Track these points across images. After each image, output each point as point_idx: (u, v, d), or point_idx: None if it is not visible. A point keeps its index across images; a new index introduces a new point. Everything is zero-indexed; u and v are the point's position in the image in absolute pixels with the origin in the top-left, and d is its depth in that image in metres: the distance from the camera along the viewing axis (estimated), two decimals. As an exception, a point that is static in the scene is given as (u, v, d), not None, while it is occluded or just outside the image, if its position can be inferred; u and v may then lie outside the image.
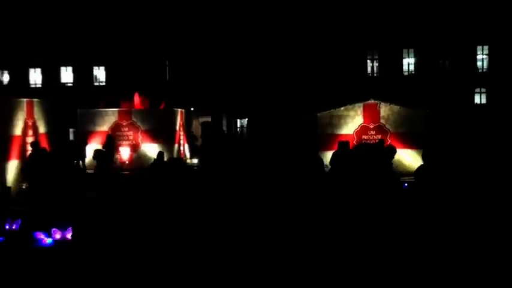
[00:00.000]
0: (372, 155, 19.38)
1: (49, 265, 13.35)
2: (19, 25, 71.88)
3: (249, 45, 69.41)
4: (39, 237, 14.58)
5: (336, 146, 28.35)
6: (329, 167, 23.43)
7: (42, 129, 25.86)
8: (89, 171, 35.14)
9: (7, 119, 23.86)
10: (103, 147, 34.30)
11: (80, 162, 34.65)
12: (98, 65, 75.52)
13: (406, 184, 21.84)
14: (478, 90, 71.07)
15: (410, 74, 72.32)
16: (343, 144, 23.95)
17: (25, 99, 25.15)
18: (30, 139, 24.44)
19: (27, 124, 24.63)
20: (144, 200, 17.94)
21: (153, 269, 13.00)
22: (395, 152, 22.41)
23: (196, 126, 62.04)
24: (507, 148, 33.02)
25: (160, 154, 26.48)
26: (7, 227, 15.30)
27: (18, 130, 24.07)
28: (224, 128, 70.80)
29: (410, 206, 16.20)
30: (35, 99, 26.03)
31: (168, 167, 23.20)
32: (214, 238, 14.86)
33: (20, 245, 14.62)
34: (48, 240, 14.50)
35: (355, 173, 18.05)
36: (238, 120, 75.51)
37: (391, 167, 20.25)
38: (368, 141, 30.02)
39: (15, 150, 23.71)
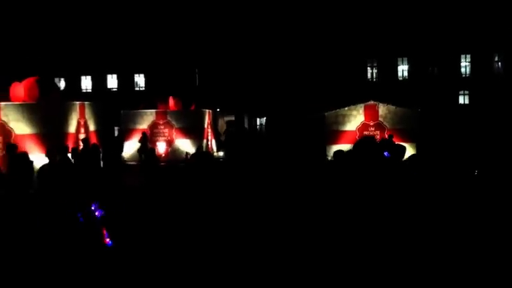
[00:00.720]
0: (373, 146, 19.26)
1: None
2: (72, 39, 72.17)
3: (267, 56, 69.41)
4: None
5: (341, 141, 28.79)
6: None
7: (92, 127, 25.99)
8: (130, 163, 35.66)
9: (63, 118, 24.04)
10: (139, 141, 34.97)
11: (125, 155, 35.10)
12: (139, 73, 75.82)
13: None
14: (461, 92, 70.93)
15: (404, 79, 72.17)
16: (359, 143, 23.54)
17: (78, 102, 25.30)
18: (81, 136, 24.57)
19: (79, 123, 24.78)
20: (186, 186, 17.84)
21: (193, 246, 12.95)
22: (400, 149, 22.45)
23: (221, 124, 62.25)
24: (487, 141, 33.05)
25: (198, 148, 27.07)
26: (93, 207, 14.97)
27: (72, 128, 24.22)
28: (245, 125, 70.78)
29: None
30: (86, 102, 26.18)
31: (198, 158, 23.44)
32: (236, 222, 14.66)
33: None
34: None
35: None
36: (258, 119, 75.39)
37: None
38: (368, 136, 29.88)
39: (69, 146, 23.85)
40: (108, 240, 13.64)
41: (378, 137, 29.96)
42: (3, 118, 23.15)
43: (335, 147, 29.08)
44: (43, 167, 16.41)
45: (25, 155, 17.98)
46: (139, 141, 35.37)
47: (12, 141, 22.55)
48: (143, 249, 13.46)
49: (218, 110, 55.66)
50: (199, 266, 11.68)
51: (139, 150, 35.10)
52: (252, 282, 10.59)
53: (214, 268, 11.34)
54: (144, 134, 36.23)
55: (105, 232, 13.64)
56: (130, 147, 36.83)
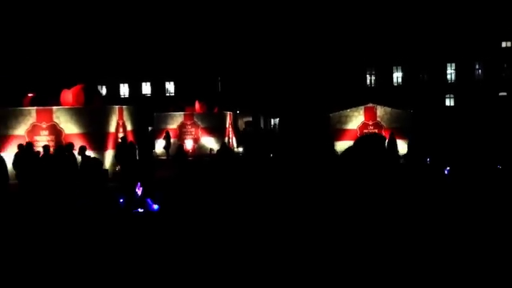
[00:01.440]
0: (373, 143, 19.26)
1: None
2: (112, 52, 72.45)
3: (280, 66, 69.45)
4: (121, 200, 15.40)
5: (344, 138, 28.80)
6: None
7: (129, 127, 26.06)
8: (161, 157, 35.78)
9: (105, 120, 24.09)
10: (163, 139, 35.45)
11: (157, 151, 35.27)
12: (169, 81, 76.04)
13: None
14: (448, 96, 70.83)
15: (398, 84, 72.00)
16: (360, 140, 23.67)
17: (117, 106, 25.36)
18: (120, 134, 24.62)
19: (118, 124, 24.83)
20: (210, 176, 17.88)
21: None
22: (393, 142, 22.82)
23: (240, 124, 62.23)
24: (470, 136, 33.04)
25: (222, 145, 27.17)
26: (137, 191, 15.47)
27: (112, 128, 24.27)
28: (261, 125, 70.78)
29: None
30: (124, 106, 26.25)
31: (221, 153, 23.57)
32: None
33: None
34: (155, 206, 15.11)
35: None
36: (272, 119, 75.26)
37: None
38: (369, 134, 29.87)
39: (110, 143, 23.91)
40: (154, 206, 15.22)
41: (378, 132, 29.85)
42: (55, 120, 23.31)
43: (339, 143, 29.29)
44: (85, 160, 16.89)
45: (70, 150, 18.20)
46: (164, 138, 35.93)
47: (62, 139, 22.72)
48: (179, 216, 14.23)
49: (238, 112, 55.65)
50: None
51: (164, 147, 35.65)
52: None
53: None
54: (167, 132, 36.99)
55: (149, 201, 15.15)
56: (161, 144, 36.99)
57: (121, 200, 15.31)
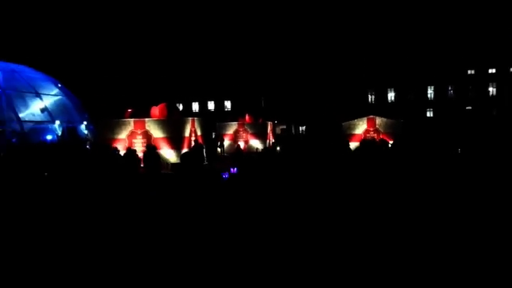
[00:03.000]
0: (372, 143, 20.91)
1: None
2: (187, 79, 73.29)
3: (306, 90, 69.67)
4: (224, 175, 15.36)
5: (352, 140, 28.55)
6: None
7: (198, 133, 26.08)
8: (226, 154, 35.81)
9: (181, 128, 24.12)
10: (218, 141, 35.59)
11: (219, 149, 35.19)
12: (227, 100, 76.33)
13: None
14: (428, 110, 69.99)
15: (391, 102, 71.28)
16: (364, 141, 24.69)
17: (190, 118, 25.38)
18: (193, 138, 24.67)
19: (191, 130, 24.83)
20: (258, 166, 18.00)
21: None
22: (387, 142, 23.05)
23: (277, 130, 62.06)
24: (446, 140, 32.81)
25: (265, 146, 26.96)
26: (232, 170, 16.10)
27: (187, 133, 24.27)
28: (293, 131, 70.64)
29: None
30: (195, 118, 26.26)
31: (265, 151, 23.60)
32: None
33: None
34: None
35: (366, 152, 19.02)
36: (300, 127, 75.08)
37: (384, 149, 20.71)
38: (369, 137, 29.75)
39: (185, 144, 23.92)
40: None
41: (376, 137, 29.70)
42: (147, 128, 23.51)
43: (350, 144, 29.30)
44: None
45: (155, 149, 18.64)
46: (218, 141, 35.97)
47: (152, 142, 22.89)
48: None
49: (276, 121, 55.59)
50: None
51: (219, 146, 35.77)
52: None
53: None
54: (220, 136, 37.42)
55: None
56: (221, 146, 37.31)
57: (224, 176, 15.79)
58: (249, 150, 37.09)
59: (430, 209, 11.27)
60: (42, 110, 32.95)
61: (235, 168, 15.95)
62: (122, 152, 19.68)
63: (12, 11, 64.86)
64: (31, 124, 31.25)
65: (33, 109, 32.80)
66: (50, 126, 32.35)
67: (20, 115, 31.12)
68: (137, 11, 74.82)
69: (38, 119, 32.37)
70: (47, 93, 34.66)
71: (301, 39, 70.01)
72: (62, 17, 68.26)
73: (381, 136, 29.91)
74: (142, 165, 19.10)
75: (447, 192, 12.75)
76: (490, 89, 68.47)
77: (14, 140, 28.48)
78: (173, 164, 22.32)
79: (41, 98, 33.50)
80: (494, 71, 67.81)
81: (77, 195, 14.45)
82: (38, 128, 31.69)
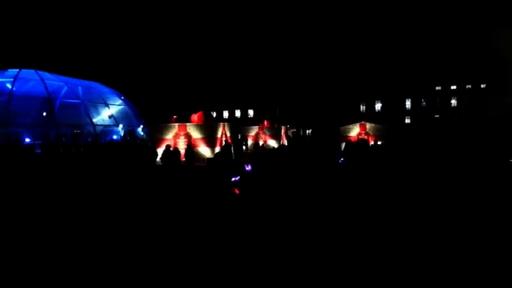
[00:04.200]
0: (363, 143, 20.68)
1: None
2: (218, 93, 73.23)
3: (312, 102, 69.30)
4: (246, 168, 13.43)
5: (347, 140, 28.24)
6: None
7: (228, 134, 26.07)
8: (249, 151, 35.75)
9: (215, 130, 24.13)
10: (243, 140, 35.44)
11: (244, 147, 35.17)
12: (250, 108, 75.87)
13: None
14: (406, 117, 69.16)
15: (378, 111, 70.48)
16: (358, 141, 24.51)
17: (221, 123, 25.37)
18: (224, 138, 24.67)
19: (222, 133, 24.82)
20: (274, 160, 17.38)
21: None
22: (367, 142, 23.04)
23: (289, 133, 61.77)
24: (421, 141, 32.70)
25: (279, 145, 26.71)
26: (246, 168, 13.74)
27: (219, 135, 24.22)
28: (301, 133, 70.36)
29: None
30: (225, 123, 26.27)
31: (278, 149, 23.46)
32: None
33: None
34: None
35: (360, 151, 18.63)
36: (307, 130, 74.62)
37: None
38: (361, 138, 29.45)
39: (218, 143, 23.91)
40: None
41: (367, 138, 29.40)
42: (188, 130, 23.56)
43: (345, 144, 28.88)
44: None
45: (191, 147, 18.82)
46: (243, 141, 35.82)
47: (191, 141, 23.00)
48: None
49: (288, 126, 55.25)
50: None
51: (243, 145, 35.67)
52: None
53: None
54: (245, 137, 37.02)
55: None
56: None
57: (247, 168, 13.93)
58: (267, 147, 37.04)
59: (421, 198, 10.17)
60: (110, 117, 33.47)
61: (254, 164, 14.33)
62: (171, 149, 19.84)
63: (84, 36, 65.90)
64: (101, 127, 31.76)
65: (103, 116, 33.33)
66: (115, 129, 32.84)
67: (94, 120, 31.60)
68: (180, 35, 75.06)
69: (107, 123, 32.88)
70: (113, 103, 35.10)
71: (308, 62, 69.86)
72: (125, 43, 69.19)
73: (370, 138, 29.63)
74: (183, 159, 19.47)
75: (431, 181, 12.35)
76: (453, 101, 68.22)
77: (89, 139, 28.99)
78: (208, 159, 22.42)
79: (108, 107, 33.95)
80: (455, 87, 68.00)
81: (138, 179, 14.82)
82: (107, 130, 32.19)
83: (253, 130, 38.26)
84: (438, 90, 68.49)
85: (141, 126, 35.74)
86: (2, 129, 25.81)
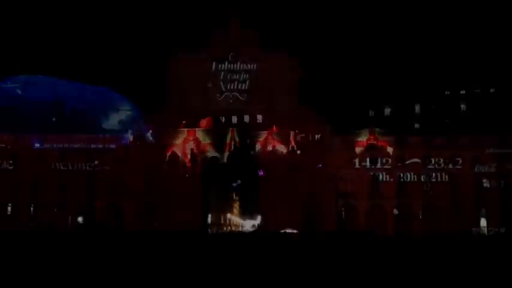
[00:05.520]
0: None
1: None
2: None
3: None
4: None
5: (358, 145, 28.09)
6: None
7: (236, 139, 26.03)
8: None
9: (224, 135, 24.13)
10: (251, 144, 34.97)
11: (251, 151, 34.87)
12: (258, 114, 75.46)
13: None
14: (416, 123, 69.11)
15: (387, 116, 70.51)
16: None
17: (230, 128, 25.29)
18: (232, 143, 24.59)
19: (231, 137, 24.77)
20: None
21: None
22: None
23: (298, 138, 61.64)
24: None
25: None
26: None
27: (228, 139, 24.28)
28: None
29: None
30: (234, 128, 26.19)
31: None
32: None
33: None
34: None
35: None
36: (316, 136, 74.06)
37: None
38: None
39: (226, 148, 24.00)
40: None
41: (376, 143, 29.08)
42: (197, 135, 23.77)
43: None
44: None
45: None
46: (251, 144, 35.50)
47: (200, 145, 23.18)
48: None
49: (297, 131, 54.91)
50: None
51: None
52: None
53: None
54: (253, 141, 36.45)
55: None
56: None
57: None
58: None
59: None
60: (119, 122, 33.73)
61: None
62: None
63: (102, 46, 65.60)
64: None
65: (114, 120, 33.66)
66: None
67: (103, 126, 31.87)
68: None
69: (116, 128, 33.13)
70: (123, 109, 35.37)
71: (319, 66, 69.60)
72: (135, 50, 68.89)
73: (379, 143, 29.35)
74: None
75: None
76: (462, 106, 67.89)
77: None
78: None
79: (119, 113, 34.25)
80: (464, 92, 67.75)
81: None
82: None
83: (262, 135, 37.93)
84: (447, 94, 68.06)
85: (150, 131, 35.89)
86: (12, 133, 25.98)
